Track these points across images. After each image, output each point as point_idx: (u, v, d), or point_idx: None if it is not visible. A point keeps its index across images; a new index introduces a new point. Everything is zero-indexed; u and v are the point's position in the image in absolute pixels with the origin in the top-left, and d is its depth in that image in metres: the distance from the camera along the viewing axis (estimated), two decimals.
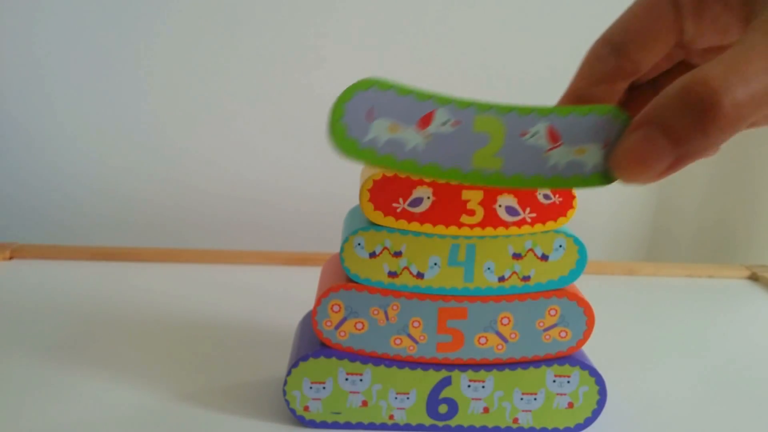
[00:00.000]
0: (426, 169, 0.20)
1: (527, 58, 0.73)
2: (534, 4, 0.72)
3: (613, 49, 0.22)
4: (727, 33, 0.22)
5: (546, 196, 0.32)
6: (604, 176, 0.21)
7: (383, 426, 0.36)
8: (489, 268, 0.33)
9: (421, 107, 0.20)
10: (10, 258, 0.62)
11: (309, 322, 0.38)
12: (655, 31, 0.21)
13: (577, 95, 0.23)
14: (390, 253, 0.33)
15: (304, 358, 0.35)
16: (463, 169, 0.20)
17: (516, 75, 0.72)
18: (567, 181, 0.21)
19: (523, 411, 0.35)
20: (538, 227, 0.33)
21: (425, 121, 0.20)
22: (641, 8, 0.22)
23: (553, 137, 0.20)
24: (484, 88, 0.73)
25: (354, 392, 0.35)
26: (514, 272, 0.33)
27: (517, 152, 0.20)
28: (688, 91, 0.18)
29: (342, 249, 0.33)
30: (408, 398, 0.35)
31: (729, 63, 0.17)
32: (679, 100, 0.18)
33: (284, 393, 0.35)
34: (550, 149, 0.20)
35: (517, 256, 0.33)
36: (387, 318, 0.34)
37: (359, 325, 0.34)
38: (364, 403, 0.35)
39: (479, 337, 0.34)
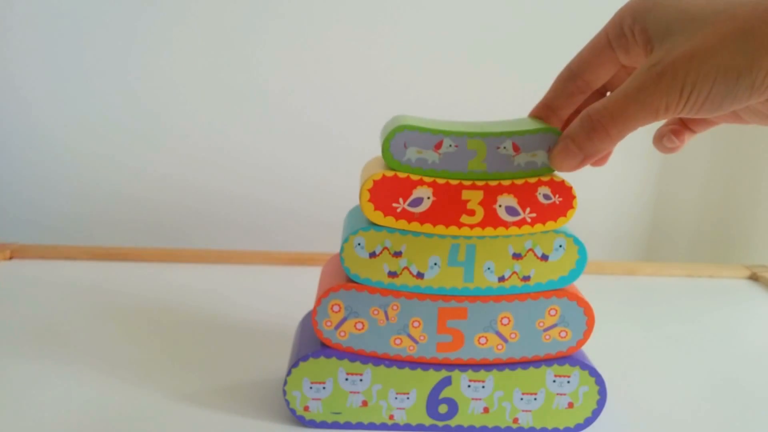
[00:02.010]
0: (441, 174, 0.32)
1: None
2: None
3: (572, 74, 0.33)
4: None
5: (546, 197, 0.32)
6: (548, 169, 0.32)
7: (383, 426, 0.36)
8: (489, 268, 0.33)
9: (434, 138, 0.32)
10: (10, 258, 0.62)
11: (309, 322, 0.38)
12: (599, 62, 0.32)
13: (547, 104, 0.34)
14: (390, 253, 0.33)
15: (304, 358, 0.35)
16: (463, 171, 0.33)
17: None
18: (527, 173, 0.33)
19: (523, 411, 0.35)
20: (538, 227, 0.33)
21: (438, 146, 0.32)
22: (590, 47, 0.32)
23: (516, 148, 0.32)
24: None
25: (354, 392, 0.35)
26: (514, 272, 0.33)
27: (495, 159, 0.32)
28: (583, 118, 0.29)
29: (342, 249, 0.33)
30: (408, 398, 0.35)
31: (605, 100, 0.28)
32: (580, 123, 0.29)
33: (284, 393, 0.35)
34: (515, 155, 0.32)
35: (517, 256, 0.33)
36: (387, 318, 0.34)
37: (359, 325, 0.34)
38: (364, 403, 0.35)
39: (479, 337, 0.34)
